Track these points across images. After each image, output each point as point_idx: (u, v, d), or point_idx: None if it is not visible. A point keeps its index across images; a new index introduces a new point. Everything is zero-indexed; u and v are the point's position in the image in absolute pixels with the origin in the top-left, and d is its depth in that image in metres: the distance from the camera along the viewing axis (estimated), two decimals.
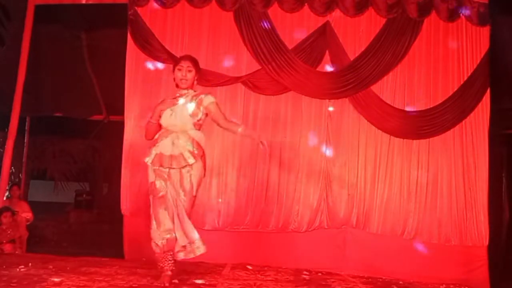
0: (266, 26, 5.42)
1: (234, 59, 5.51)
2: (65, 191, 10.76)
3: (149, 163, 3.33)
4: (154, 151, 3.32)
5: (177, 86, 3.42)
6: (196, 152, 3.28)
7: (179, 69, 3.37)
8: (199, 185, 3.34)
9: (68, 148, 10.27)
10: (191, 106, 3.33)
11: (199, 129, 3.39)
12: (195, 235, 3.24)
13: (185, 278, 3.52)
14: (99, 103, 7.20)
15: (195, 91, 3.45)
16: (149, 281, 3.38)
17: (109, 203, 7.89)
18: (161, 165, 3.27)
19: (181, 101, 3.36)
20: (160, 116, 3.36)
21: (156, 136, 3.39)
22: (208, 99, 3.37)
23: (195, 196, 3.33)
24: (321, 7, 5.45)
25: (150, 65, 5.53)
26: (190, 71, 3.37)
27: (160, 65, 5.52)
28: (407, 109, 5.41)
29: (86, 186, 10.76)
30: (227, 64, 5.49)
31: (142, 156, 5.30)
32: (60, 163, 10.40)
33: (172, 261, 3.25)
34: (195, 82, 3.46)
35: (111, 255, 5.03)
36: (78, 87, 6.98)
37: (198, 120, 3.36)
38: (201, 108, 3.35)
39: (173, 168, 3.25)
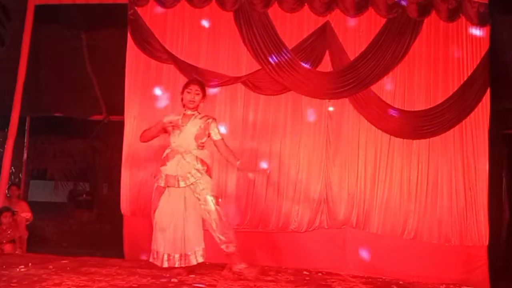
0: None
1: (234, 59, 5.51)
2: (65, 191, 10.74)
3: (161, 184, 3.65)
4: (163, 173, 3.66)
5: (184, 106, 3.75)
6: (201, 168, 3.64)
7: (188, 92, 3.70)
8: (214, 191, 3.74)
9: (68, 148, 10.24)
10: (198, 129, 3.68)
11: (202, 149, 3.73)
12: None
13: (185, 278, 3.52)
14: (99, 103, 7.19)
15: (199, 113, 3.77)
16: (149, 281, 3.39)
17: (109, 203, 7.88)
18: (168, 185, 3.62)
19: (189, 123, 3.69)
20: (163, 129, 3.70)
21: (164, 156, 3.72)
22: (214, 126, 3.71)
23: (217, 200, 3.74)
24: (321, 7, 5.45)
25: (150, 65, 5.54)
26: (197, 94, 3.71)
27: (160, 65, 5.53)
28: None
29: (86, 186, 10.75)
30: (227, 64, 5.50)
31: (142, 156, 5.42)
32: (60, 163, 10.38)
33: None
34: (202, 105, 3.76)
35: (111, 255, 5.03)
36: (78, 87, 6.97)
37: (201, 143, 3.71)
38: (207, 132, 3.71)
39: (181, 187, 3.60)
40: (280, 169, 5.38)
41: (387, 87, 5.45)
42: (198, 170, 3.63)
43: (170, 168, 3.64)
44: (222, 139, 3.78)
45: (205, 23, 5.52)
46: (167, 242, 3.59)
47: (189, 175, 3.60)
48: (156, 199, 3.67)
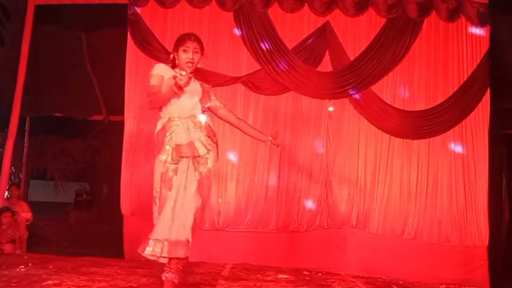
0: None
1: (234, 59, 5.51)
2: (65, 191, 10.75)
3: (168, 161, 2.82)
4: (169, 147, 2.84)
5: (175, 67, 2.94)
6: (211, 137, 2.92)
7: (185, 50, 2.89)
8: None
9: (68, 148, 10.25)
10: (201, 90, 3.00)
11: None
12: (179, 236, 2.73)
13: (185, 278, 3.52)
14: (99, 103, 7.19)
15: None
16: (149, 280, 3.39)
17: (109, 203, 7.89)
18: (181, 157, 2.82)
19: (191, 84, 2.88)
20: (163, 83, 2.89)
21: (159, 128, 2.90)
22: (213, 93, 3.07)
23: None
24: (321, 7, 5.46)
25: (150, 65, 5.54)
26: (197, 52, 2.90)
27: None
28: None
29: (86, 186, 10.76)
30: (227, 64, 5.49)
31: (142, 156, 5.43)
32: (60, 163, 10.39)
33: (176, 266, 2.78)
34: (199, 65, 2.99)
35: (111, 255, 5.03)
36: (78, 87, 6.97)
37: (205, 107, 3.01)
38: (209, 95, 3.03)
39: (188, 157, 2.83)
40: (280, 169, 5.37)
41: (387, 87, 5.46)
42: (209, 140, 2.90)
43: (178, 137, 2.83)
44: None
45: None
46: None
47: (200, 144, 2.86)
48: (164, 181, 2.80)
